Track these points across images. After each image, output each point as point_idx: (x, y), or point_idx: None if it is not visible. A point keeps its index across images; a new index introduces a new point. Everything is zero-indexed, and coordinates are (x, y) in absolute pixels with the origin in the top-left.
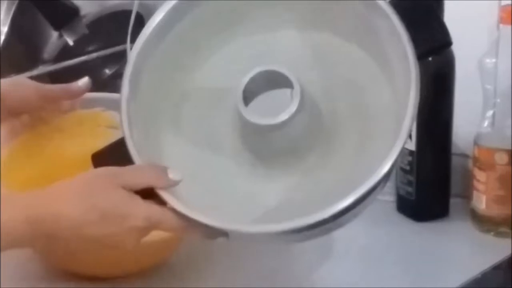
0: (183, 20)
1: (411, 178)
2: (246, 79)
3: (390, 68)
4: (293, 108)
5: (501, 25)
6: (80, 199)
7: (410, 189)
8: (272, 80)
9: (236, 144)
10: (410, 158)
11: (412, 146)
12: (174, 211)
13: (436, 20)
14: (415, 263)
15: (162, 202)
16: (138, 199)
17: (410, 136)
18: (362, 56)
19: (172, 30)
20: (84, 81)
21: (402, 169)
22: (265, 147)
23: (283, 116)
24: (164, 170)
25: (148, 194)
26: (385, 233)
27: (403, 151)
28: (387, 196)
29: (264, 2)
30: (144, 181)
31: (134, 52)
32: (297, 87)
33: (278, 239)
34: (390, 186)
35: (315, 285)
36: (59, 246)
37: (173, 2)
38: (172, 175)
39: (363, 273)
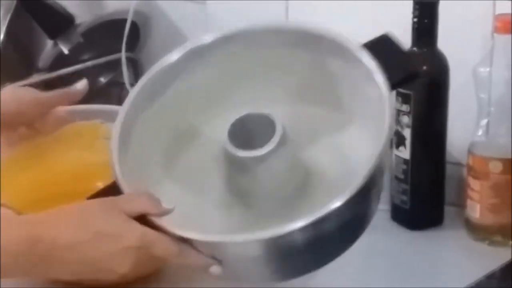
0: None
1: (406, 186)
2: (233, 121)
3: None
4: (272, 144)
5: (495, 34)
6: (77, 219)
7: (404, 197)
8: (257, 126)
9: (220, 182)
10: (404, 167)
11: (406, 154)
12: (167, 235)
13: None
14: (409, 271)
15: (155, 229)
16: (133, 221)
17: (404, 145)
18: (345, 119)
19: (164, 94)
20: (83, 83)
21: (397, 178)
22: (247, 181)
23: (263, 150)
24: (158, 199)
25: (143, 221)
26: (379, 241)
27: (399, 161)
28: (382, 205)
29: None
30: (139, 208)
31: (126, 103)
32: (279, 126)
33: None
34: (384, 195)
35: None
36: (55, 271)
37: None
38: (165, 204)
39: (357, 281)
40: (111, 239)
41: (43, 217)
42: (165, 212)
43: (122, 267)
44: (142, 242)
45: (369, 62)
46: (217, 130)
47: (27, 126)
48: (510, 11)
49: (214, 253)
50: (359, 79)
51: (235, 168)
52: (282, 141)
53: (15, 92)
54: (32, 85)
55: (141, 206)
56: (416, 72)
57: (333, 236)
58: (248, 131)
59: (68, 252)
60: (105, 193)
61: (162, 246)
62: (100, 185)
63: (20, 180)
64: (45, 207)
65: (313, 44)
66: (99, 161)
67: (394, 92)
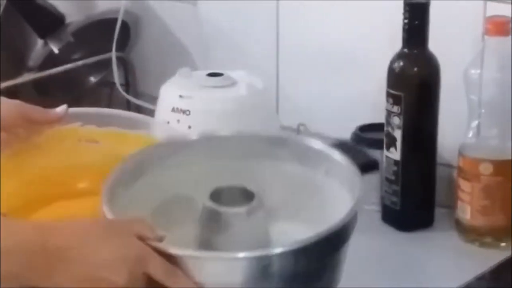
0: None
1: (396, 188)
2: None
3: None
4: (251, 204)
5: (486, 36)
6: (83, 229)
7: (395, 198)
8: (234, 196)
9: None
10: (395, 168)
11: (397, 156)
12: (162, 255)
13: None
14: (399, 273)
15: None
16: (134, 237)
17: (395, 147)
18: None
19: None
20: (63, 108)
21: (387, 179)
22: (221, 238)
23: (242, 208)
24: (152, 226)
25: None
26: (370, 242)
27: (389, 161)
28: (372, 206)
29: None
30: (138, 230)
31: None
32: (257, 194)
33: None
34: (375, 196)
35: None
36: (58, 277)
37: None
38: (158, 232)
39: (347, 282)
40: (113, 248)
41: (53, 224)
42: (158, 239)
43: (120, 277)
44: (141, 255)
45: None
46: (198, 195)
47: (7, 132)
48: (500, 13)
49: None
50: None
51: (211, 225)
52: (259, 205)
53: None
54: (22, 84)
55: (139, 229)
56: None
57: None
58: (226, 198)
59: (73, 259)
60: None
61: (156, 263)
62: (83, 186)
63: (3, 187)
64: (31, 211)
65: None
66: (81, 163)
67: (385, 94)
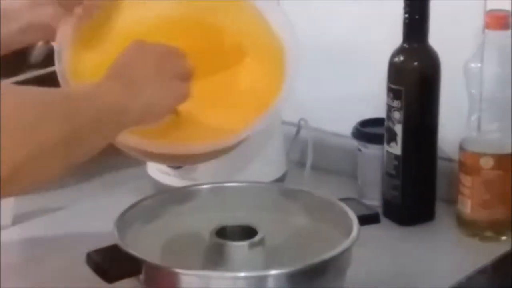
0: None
1: (397, 182)
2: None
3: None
4: (253, 240)
5: (486, 30)
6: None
7: (396, 193)
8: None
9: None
10: (396, 163)
11: (398, 150)
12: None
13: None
14: (400, 267)
15: None
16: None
17: (396, 141)
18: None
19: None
20: None
21: (388, 174)
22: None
23: (245, 242)
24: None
25: None
26: (371, 237)
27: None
28: (373, 201)
29: None
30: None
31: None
32: (260, 230)
33: None
34: (376, 191)
35: None
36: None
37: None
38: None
39: (348, 277)
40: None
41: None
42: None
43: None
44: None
45: None
46: (205, 232)
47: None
48: (501, 7)
49: None
50: None
51: (215, 257)
52: (261, 241)
53: None
54: (24, 82)
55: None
56: None
57: None
58: (231, 235)
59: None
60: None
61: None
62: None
63: (89, 58)
64: None
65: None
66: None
67: (385, 89)
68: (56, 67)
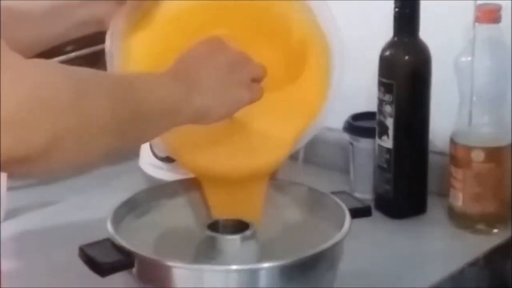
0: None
1: (389, 176)
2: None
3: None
4: (246, 233)
5: (477, 24)
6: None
7: (387, 186)
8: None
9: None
10: (387, 156)
11: (389, 144)
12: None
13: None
14: (392, 260)
15: None
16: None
17: (387, 135)
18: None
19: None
20: None
21: (380, 167)
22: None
23: (237, 236)
24: None
25: None
26: (362, 230)
27: (382, 149)
28: (365, 194)
29: None
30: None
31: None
32: (252, 225)
33: None
34: (368, 184)
35: None
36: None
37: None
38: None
39: (340, 270)
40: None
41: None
42: None
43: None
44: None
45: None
46: (198, 226)
47: None
48: (491, 1)
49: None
50: None
51: (207, 251)
52: (252, 234)
53: None
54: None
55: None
56: None
57: None
58: (223, 228)
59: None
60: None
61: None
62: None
63: (141, 40)
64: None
65: None
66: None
67: (376, 82)
68: (107, 59)
